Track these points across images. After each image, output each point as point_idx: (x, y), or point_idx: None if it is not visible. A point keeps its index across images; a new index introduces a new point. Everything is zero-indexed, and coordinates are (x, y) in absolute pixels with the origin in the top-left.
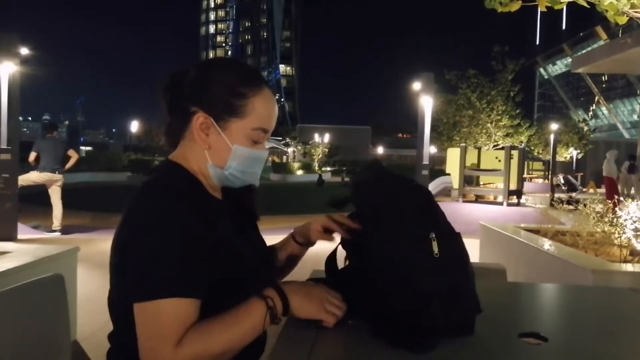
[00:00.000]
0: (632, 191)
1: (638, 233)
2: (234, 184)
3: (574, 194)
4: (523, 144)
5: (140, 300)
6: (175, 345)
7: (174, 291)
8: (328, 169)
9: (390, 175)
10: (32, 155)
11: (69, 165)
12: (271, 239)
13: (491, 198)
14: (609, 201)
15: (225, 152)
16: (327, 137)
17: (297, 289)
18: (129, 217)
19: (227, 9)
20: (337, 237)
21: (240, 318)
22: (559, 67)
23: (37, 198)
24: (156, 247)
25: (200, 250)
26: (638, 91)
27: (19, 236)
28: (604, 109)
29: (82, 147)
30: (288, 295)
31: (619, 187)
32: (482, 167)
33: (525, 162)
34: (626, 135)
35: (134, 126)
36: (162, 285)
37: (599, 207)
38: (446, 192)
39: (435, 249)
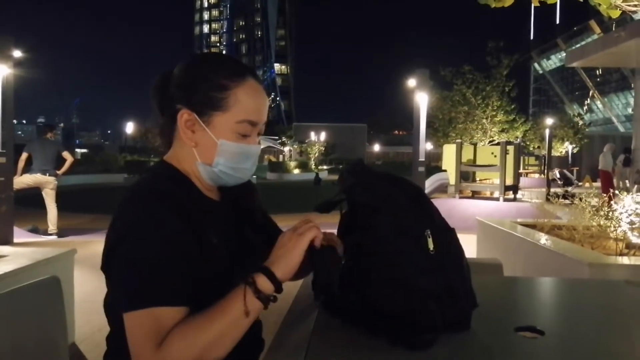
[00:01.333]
0: (627, 184)
1: (633, 226)
2: (227, 182)
3: (569, 189)
4: (518, 139)
5: (125, 310)
6: (157, 347)
7: (157, 300)
8: (325, 167)
9: (379, 175)
10: (22, 156)
11: (63, 169)
12: None
13: (487, 194)
14: (604, 195)
15: (211, 148)
16: (323, 135)
17: (272, 256)
18: (114, 222)
19: (221, 9)
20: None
21: (222, 307)
22: (553, 61)
23: (33, 201)
24: (139, 254)
25: (183, 255)
26: (632, 85)
27: (15, 239)
28: (598, 103)
29: (78, 149)
30: (271, 267)
31: (615, 181)
32: (478, 162)
33: (521, 157)
34: (621, 128)
35: (129, 127)
36: (144, 295)
37: (594, 201)
38: (443, 188)
39: (431, 245)
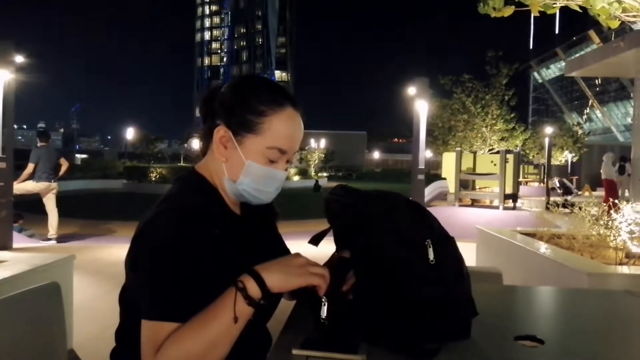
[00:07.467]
0: (627, 193)
1: (633, 235)
2: (250, 201)
3: (569, 197)
4: (518, 148)
5: (143, 317)
6: (155, 353)
7: (174, 317)
8: (324, 174)
9: (370, 194)
10: (31, 167)
11: (62, 173)
12: None
13: (487, 202)
14: (605, 204)
15: (239, 166)
16: (322, 143)
17: (271, 264)
18: (145, 230)
19: (222, 16)
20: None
21: (214, 311)
22: (552, 71)
23: (32, 206)
24: (163, 271)
25: (203, 276)
26: (631, 94)
27: (14, 245)
28: (597, 112)
29: (77, 155)
30: (261, 272)
31: (620, 190)
32: (477, 171)
33: (521, 166)
34: (620, 138)
35: (129, 133)
36: (163, 309)
37: (594, 210)
38: (442, 196)
39: (431, 255)
